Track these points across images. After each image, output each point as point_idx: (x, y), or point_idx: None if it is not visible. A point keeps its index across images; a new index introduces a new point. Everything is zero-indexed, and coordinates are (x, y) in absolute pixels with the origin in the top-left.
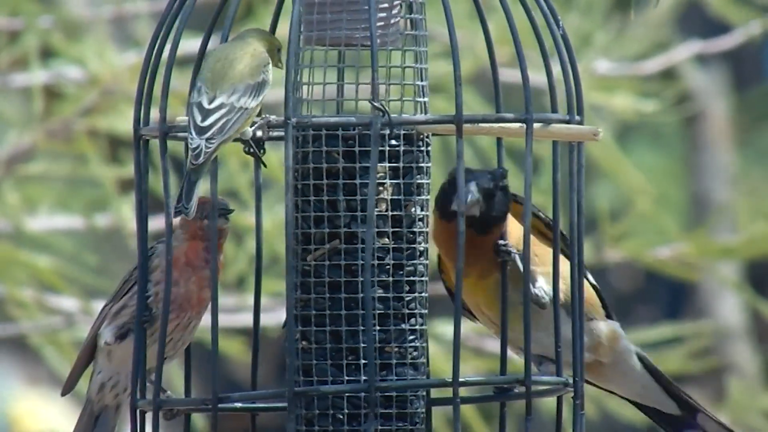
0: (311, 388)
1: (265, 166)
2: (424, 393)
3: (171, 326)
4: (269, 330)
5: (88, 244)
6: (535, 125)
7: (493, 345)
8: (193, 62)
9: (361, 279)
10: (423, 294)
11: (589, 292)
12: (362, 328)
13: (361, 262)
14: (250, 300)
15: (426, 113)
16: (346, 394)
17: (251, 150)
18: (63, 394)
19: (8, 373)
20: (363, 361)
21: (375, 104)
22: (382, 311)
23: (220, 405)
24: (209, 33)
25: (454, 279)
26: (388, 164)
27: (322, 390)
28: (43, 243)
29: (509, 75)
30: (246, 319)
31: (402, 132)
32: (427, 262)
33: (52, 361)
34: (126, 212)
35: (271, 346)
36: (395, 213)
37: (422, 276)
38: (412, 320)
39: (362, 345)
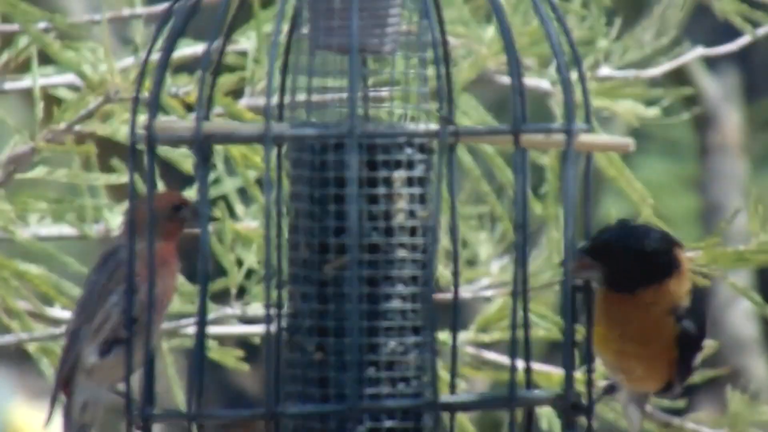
0: (372, 403)
1: (214, 167)
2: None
3: (155, 327)
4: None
5: (82, 253)
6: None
7: (493, 356)
8: (189, 67)
9: (383, 291)
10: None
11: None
12: (383, 340)
13: (383, 272)
14: (251, 310)
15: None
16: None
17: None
18: (44, 426)
19: (7, 384)
20: (384, 374)
21: (443, 114)
22: (401, 323)
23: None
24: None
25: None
26: (405, 173)
27: (383, 405)
28: (35, 252)
29: (507, 82)
30: (247, 330)
31: (417, 141)
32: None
33: (50, 372)
34: (117, 221)
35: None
36: (412, 224)
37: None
38: (425, 333)
39: (384, 358)
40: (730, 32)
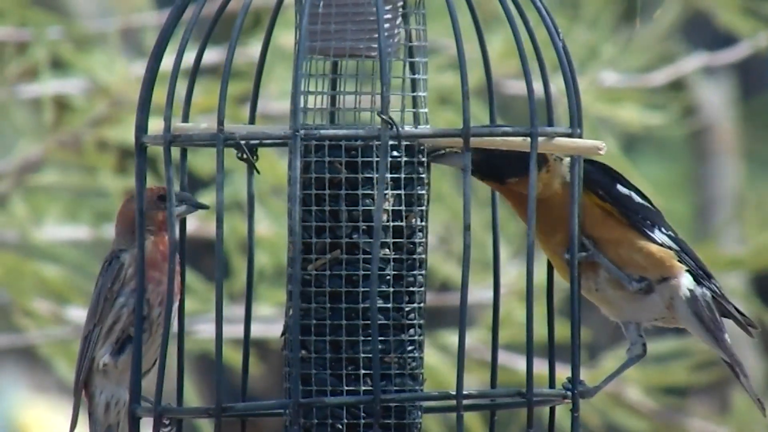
0: (314, 399)
1: (258, 172)
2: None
3: (164, 325)
4: (273, 341)
5: (96, 254)
6: (540, 138)
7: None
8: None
9: (362, 289)
10: (421, 304)
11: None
12: (362, 338)
13: (363, 272)
14: (258, 311)
15: (427, 124)
16: (347, 405)
17: (244, 156)
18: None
19: (16, 381)
20: (363, 371)
21: (384, 117)
22: (382, 321)
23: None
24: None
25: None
26: (390, 175)
27: (326, 401)
28: (51, 253)
29: (516, 87)
30: (254, 330)
31: (404, 143)
32: (425, 272)
33: (61, 371)
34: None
35: (276, 355)
36: (396, 223)
37: (421, 286)
38: (411, 331)
39: (362, 355)
40: (728, 38)
